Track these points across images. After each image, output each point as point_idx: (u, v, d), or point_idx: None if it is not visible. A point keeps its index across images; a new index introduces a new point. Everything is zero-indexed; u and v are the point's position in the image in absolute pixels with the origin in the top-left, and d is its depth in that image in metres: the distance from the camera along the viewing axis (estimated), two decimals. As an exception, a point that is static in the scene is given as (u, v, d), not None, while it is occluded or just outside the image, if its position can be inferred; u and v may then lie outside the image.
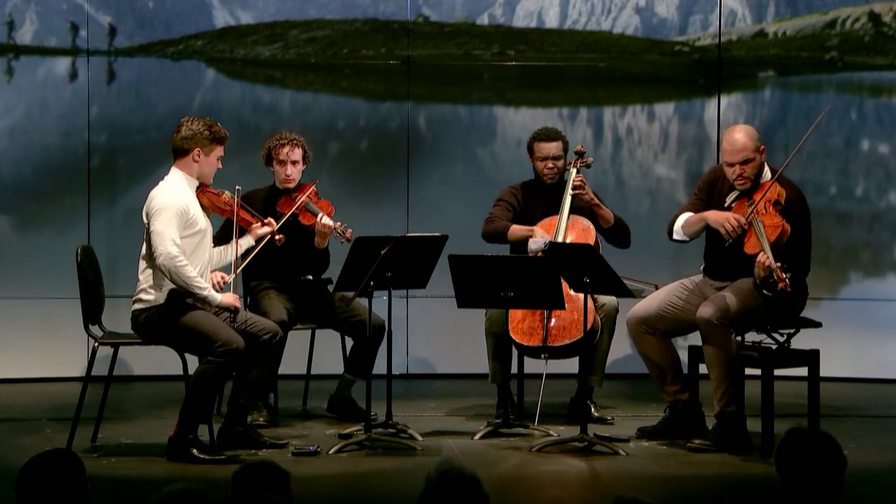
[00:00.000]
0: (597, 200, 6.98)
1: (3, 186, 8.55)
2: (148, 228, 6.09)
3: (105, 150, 8.60)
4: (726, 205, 6.34)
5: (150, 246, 6.10)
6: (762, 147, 6.34)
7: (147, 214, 6.11)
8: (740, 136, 6.28)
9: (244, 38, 8.85)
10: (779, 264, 5.90)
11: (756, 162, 6.28)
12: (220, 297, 6.15)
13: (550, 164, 7.06)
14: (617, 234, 7.08)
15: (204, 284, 6.10)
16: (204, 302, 6.11)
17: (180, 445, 5.99)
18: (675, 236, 6.52)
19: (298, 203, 6.84)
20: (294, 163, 6.97)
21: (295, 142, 6.98)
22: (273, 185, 7.07)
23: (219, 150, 6.25)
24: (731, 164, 6.27)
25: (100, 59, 8.60)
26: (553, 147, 7.07)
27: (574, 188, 6.92)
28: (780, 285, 5.89)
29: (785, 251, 6.08)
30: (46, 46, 8.60)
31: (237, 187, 6.35)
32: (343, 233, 6.70)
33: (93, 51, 8.57)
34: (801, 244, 6.28)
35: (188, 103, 8.58)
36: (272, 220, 6.51)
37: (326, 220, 6.80)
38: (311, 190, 6.93)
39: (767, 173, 6.38)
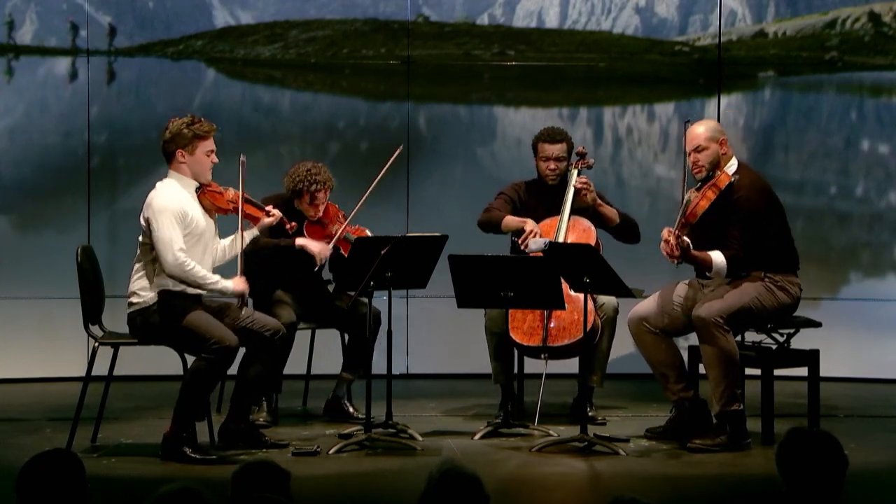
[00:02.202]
0: (600, 201, 6.98)
1: (3, 186, 8.55)
2: (148, 233, 6.06)
3: (105, 150, 8.60)
4: (684, 199, 6.41)
5: (145, 249, 6.09)
6: (721, 139, 6.45)
7: (146, 220, 6.08)
8: (696, 126, 6.55)
9: (244, 38, 8.85)
10: (675, 232, 6.20)
11: (710, 151, 6.42)
12: (232, 285, 6.15)
13: (553, 166, 7.04)
14: (624, 231, 7.09)
15: (215, 278, 6.10)
16: (221, 293, 6.15)
17: (174, 444, 5.98)
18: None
19: (336, 237, 6.80)
20: (324, 202, 6.93)
21: (327, 183, 6.88)
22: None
23: (205, 145, 6.16)
24: (688, 154, 6.48)
25: (100, 59, 8.60)
26: (557, 149, 7.04)
27: (578, 187, 6.91)
28: (666, 251, 6.24)
29: (743, 240, 6.28)
30: (46, 46, 8.60)
31: (242, 158, 6.25)
32: None
33: (93, 51, 8.57)
34: (755, 231, 6.33)
35: (188, 103, 8.56)
36: (275, 209, 6.39)
37: None
38: (345, 222, 6.84)
39: (733, 166, 6.43)
